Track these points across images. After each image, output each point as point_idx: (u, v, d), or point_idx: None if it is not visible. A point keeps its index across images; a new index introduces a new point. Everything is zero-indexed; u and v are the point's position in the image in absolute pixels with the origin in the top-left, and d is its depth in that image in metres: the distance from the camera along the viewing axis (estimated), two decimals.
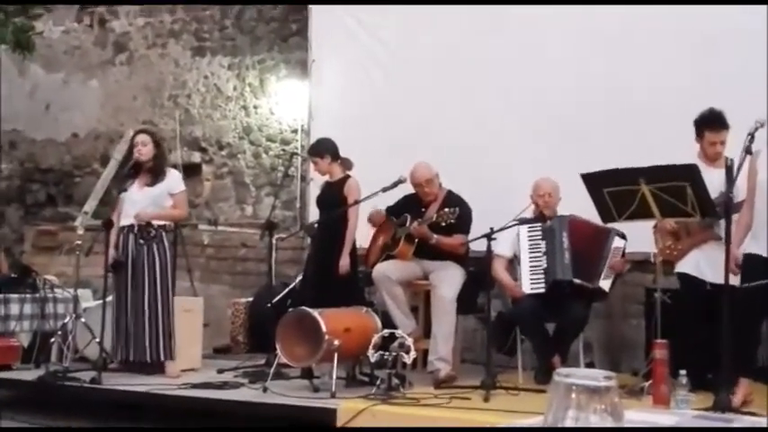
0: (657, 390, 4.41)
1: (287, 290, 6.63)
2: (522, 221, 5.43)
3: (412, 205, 5.85)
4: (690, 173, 4.64)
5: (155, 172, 5.81)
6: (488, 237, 5.05)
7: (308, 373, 5.22)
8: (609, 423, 1.25)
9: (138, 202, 5.73)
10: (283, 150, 7.94)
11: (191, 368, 5.90)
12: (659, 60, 6.13)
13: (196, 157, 8.51)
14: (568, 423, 1.29)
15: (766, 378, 4.91)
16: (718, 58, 5.88)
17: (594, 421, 1.25)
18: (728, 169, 4.42)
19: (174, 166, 6.68)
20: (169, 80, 8.73)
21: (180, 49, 8.69)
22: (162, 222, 5.83)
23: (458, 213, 5.40)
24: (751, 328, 4.56)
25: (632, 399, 4.54)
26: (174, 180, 5.89)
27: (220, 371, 5.89)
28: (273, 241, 6.33)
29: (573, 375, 1.32)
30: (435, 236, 5.57)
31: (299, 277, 6.46)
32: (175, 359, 5.73)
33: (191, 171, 8.35)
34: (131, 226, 5.73)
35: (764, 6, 5.65)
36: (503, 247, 5.52)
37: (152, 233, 5.73)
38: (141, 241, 5.70)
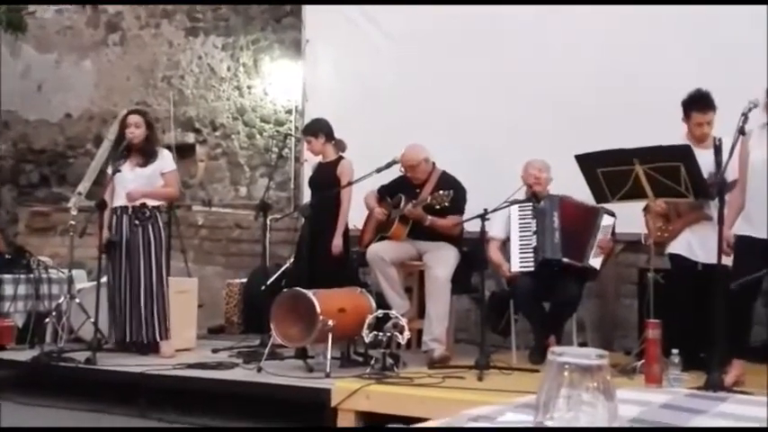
0: (650, 369, 4.43)
1: (281, 270, 6.64)
2: (515, 202, 5.45)
3: (406, 186, 5.85)
4: (684, 153, 4.65)
5: (147, 153, 5.80)
6: (482, 217, 5.06)
7: (302, 354, 5.24)
8: (601, 401, 1.25)
9: (131, 182, 5.72)
10: (277, 131, 7.93)
11: (186, 348, 5.92)
12: (652, 46, 6.12)
13: (190, 137, 8.49)
14: (561, 401, 1.30)
15: (759, 358, 4.95)
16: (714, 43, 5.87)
17: (587, 399, 1.26)
18: (717, 149, 4.44)
19: (168, 147, 6.67)
20: (162, 60, 8.69)
21: (173, 30, 8.65)
22: (156, 203, 5.83)
23: (452, 196, 5.41)
24: (743, 309, 4.59)
25: (625, 378, 4.57)
26: (165, 160, 5.88)
27: (215, 351, 5.91)
28: (267, 222, 6.33)
29: (566, 354, 1.33)
30: (429, 217, 5.58)
31: (293, 258, 6.47)
32: (170, 339, 5.74)
33: (184, 152, 8.33)
34: (125, 207, 5.72)
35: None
36: (496, 229, 5.54)
37: (147, 214, 5.73)
38: (136, 222, 5.70)
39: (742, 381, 4.54)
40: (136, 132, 5.75)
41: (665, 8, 6.04)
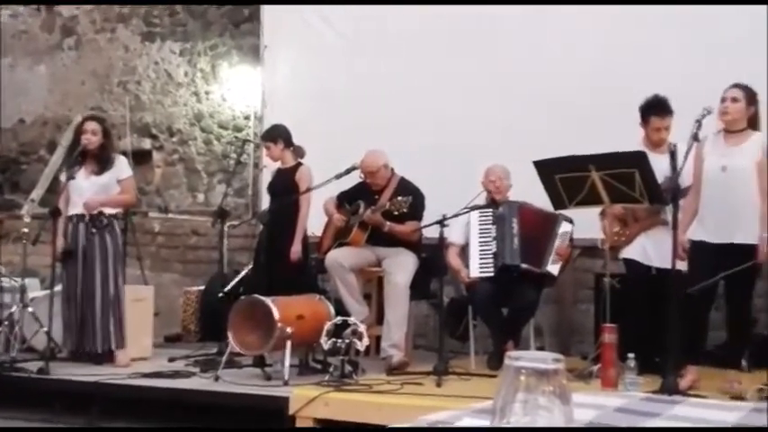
0: (606, 373, 4.49)
1: (239, 277, 6.59)
2: (475, 207, 5.48)
3: (365, 192, 5.85)
4: (638, 160, 4.72)
5: (102, 160, 5.72)
6: (441, 223, 5.07)
7: (260, 362, 5.21)
8: (557, 405, 1.26)
9: (86, 190, 5.64)
10: (235, 137, 7.88)
11: (141, 357, 5.83)
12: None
13: (146, 143, 8.39)
14: (517, 406, 1.30)
15: (713, 362, 5.02)
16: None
17: (543, 403, 1.26)
18: (672, 155, 4.51)
19: (124, 153, 6.59)
20: (118, 65, 8.59)
21: (129, 34, 8.55)
22: (113, 211, 5.75)
23: (410, 202, 5.42)
24: (698, 313, 4.65)
25: (581, 382, 4.61)
26: (121, 167, 5.81)
27: (171, 359, 5.84)
28: (225, 229, 6.29)
29: (522, 358, 1.33)
30: (388, 223, 5.58)
31: (251, 265, 6.42)
32: (126, 348, 5.66)
33: (141, 158, 8.24)
34: (81, 215, 5.63)
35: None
36: (455, 235, 5.56)
37: (104, 222, 5.66)
38: (93, 230, 5.62)
39: (696, 384, 4.60)
40: (92, 139, 5.67)
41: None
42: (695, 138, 4.52)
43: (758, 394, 4.37)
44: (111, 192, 5.74)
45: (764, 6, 5.66)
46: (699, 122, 4.50)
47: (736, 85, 4.62)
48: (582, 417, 1.56)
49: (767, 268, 5.11)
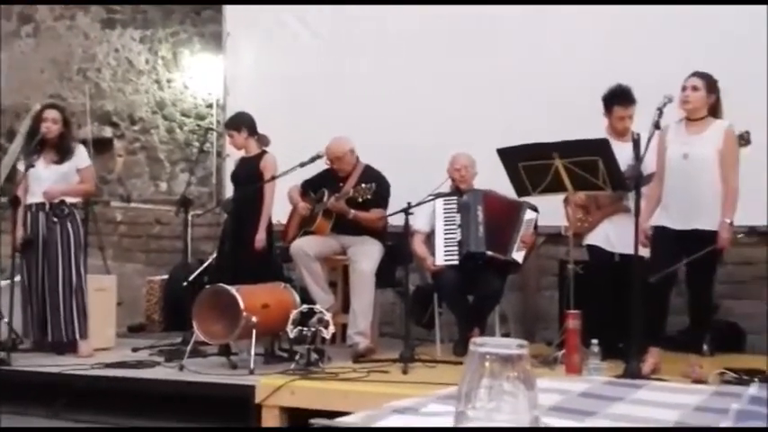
0: (570, 359, 4.53)
1: (203, 267, 6.54)
2: (440, 195, 5.49)
3: (329, 180, 5.83)
4: (601, 147, 4.76)
5: (62, 149, 5.64)
6: (406, 211, 5.07)
7: (225, 351, 5.18)
8: (521, 390, 1.26)
9: (46, 179, 5.56)
10: (198, 125, 7.81)
11: (104, 347, 5.78)
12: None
13: (107, 132, 8.29)
14: (482, 391, 1.30)
15: (675, 346, 5.09)
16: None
17: (507, 388, 1.27)
18: (635, 143, 4.55)
19: (84, 142, 6.50)
20: (78, 53, 8.46)
21: (89, 21, 8.42)
22: (73, 200, 5.68)
23: (374, 189, 5.41)
24: (659, 299, 4.71)
25: (546, 368, 4.65)
26: (80, 155, 5.75)
27: (135, 349, 5.79)
28: (189, 218, 6.24)
29: (487, 344, 1.34)
30: (353, 211, 5.57)
31: (216, 254, 6.38)
32: (89, 338, 5.60)
33: (102, 146, 8.14)
34: (41, 204, 5.56)
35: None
36: (420, 222, 5.57)
37: (65, 211, 5.59)
38: (54, 219, 5.55)
39: (659, 369, 4.66)
40: (53, 128, 5.59)
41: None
42: (656, 126, 4.57)
43: (719, 378, 4.44)
44: (70, 181, 5.68)
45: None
46: (660, 111, 4.54)
47: (697, 74, 4.67)
48: (546, 401, 1.57)
49: (728, 254, 5.20)
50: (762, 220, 5.66)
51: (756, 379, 4.17)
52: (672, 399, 1.76)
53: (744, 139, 4.74)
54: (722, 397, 1.80)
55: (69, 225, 5.59)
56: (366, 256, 5.61)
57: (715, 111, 4.69)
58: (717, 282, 5.02)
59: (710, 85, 4.65)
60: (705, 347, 5.05)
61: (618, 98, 5.21)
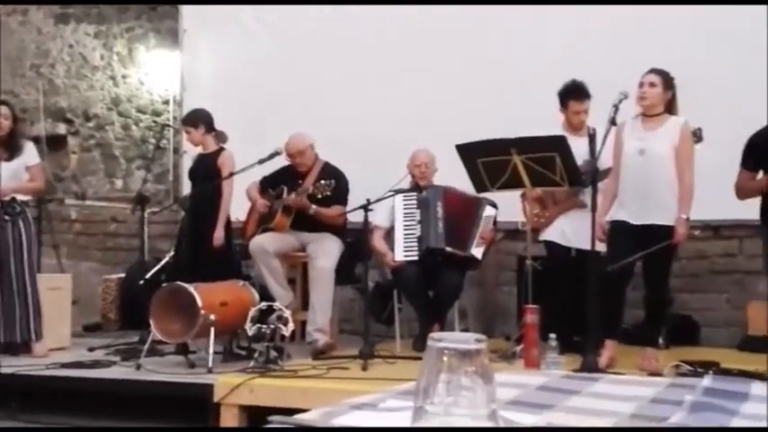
0: (528, 353, 4.56)
1: (160, 265, 6.47)
2: (399, 191, 5.49)
3: (288, 177, 5.81)
4: (558, 144, 4.81)
5: (12, 146, 5.55)
6: (365, 208, 5.07)
7: (183, 349, 5.13)
8: (479, 385, 1.27)
9: None
10: (154, 122, 7.72)
11: (59, 347, 5.69)
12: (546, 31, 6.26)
13: (61, 128, 8.15)
14: (440, 386, 1.30)
15: (631, 340, 5.16)
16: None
17: (465, 383, 1.27)
18: (591, 138, 4.60)
19: (37, 139, 6.39)
20: (31, 48, 8.30)
21: (42, 17, 8.27)
22: (24, 198, 5.59)
23: (333, 186, 5.40)
24: (615, 293, 4.76)
25: (505, 362, 4.68)
26: (29, 153, 5.66)
27: (91, 349, 5.71)
28: (145, 215, 6.17)
29: (445, 339, 1.33)
30: (314, 206, 5.55)
31: (173, 252, 6.32)
32: (43, 338, 5.51)
33: (55, 143, 8.01)
34: None
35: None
36: (380, 218, 5.57)
37: (17, 209, 5.50)
38: (6, 217, 5.45)
39: (615, 362, 4.72)
40: (3, 124, 5.50)
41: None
42: (612, 122, 4.62)
43: (674, 370, 4.51)
44: (21, 178, 5.59)
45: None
46: (616, 107, 4.59)
47: (654, 71, 4.73)
48: (504, 396, 1.58)
49: (683, 249, 5.28)
50: (715, 214, 5.76)
51: (710, 371, 4.25)
52: (628, 391, 1.78)
53: (696, 136, 4.81)
54: (677, 389, 1.83)
55: (21, 223, 5.50)
56: (325, 252, 5.60)
57: (671, 107, 4.75)
58: (672, 276, 5.09)
59: (667, 81, 4.71)
60: (661, 341, 5.12)
61: (573, 93, 5.28)
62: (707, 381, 1.89)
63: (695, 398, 1.67)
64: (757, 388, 1.87)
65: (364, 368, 4.76)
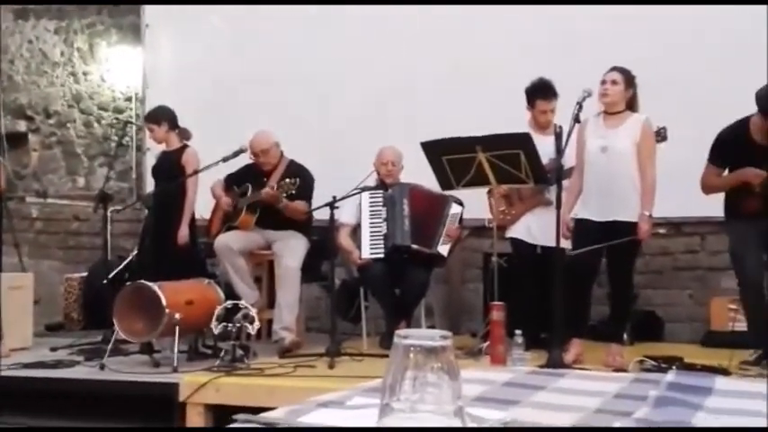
0: (495, 350, 4.57)
1: (124, 264, 6.41)
2: (365, 189, 5.48)
3: (253, 174, 5.77)
4: (523, 141, 4.83)
5: None
6: (331, 205, 5.05)
7: (147, 348, 5.08)
8: (445, 381, 1.26)
9: None
10: (116, 119, 7.63)
11: (21, 347, 5.60)
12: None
13: (21, 125, 8.02)
14: (407, 383, 1.30)
15: (597, 336, 5.20)
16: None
17: (432, 380, 1.27)
18: (558, 136, 4.63)
19: None
20: None
21: (0, 12, 8.13)
22: None
23: (299, 184, 5.38)
24: (581, 290, 4.80)
25: (471, 359, 4.69)
26: None
27: (54, 349, 5.63)
28: (108, 214, 6.09)
29: (411, 336, 1.33)
30: (285, 200, 5.51)
31: (137, 250, 6.26)
32: (3, 338, 5.42)
33: (16, 141, 7.89)
34: None
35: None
36: (347, 215, 5.56)
37: None
38: None
39: (581, 358, 4.76)
40: None
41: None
42: (576, 119, 4.65)
43: (639, 366, 4.55)
44: None
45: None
46: (579, 104, 4.62)
47: (616, 68, 4.76)
48: (471, 392, 1.58)
49: (646, 245, 5.33)
50: (677, 211, 5.83)
51: (674, 366, 4.30)
52: (593, 386, 1.79)
53: (660, 135, 4.86)
54: (641, 384, 1.84)
55: None
56: (291, 250, 5.58)
57: (632, 105, 4.80)
58: (636, 272, 5.14)
59: (628, 79, 4.76)
60: (625, 336, 5.17)
61: (540, 92, 5.31)
62: (671, 376, 1.91)
63: (659, 393, 1.69)
64: (720, 382, 1.89)
65: (331, 366, 4.75)
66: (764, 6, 5.68)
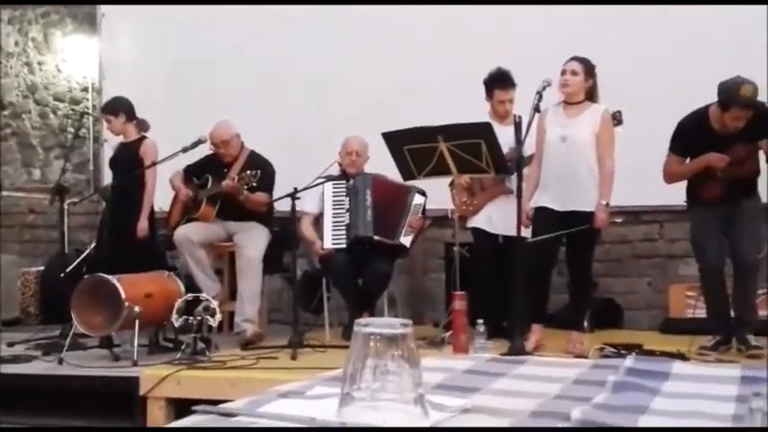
0: (457, 339, 4.59)
1: (82, 257, 6.31)
2: (329, 178, 5.46)
3: (213, 166, 5.72)
4: (484, 131, 4.85)
5: None
6: (292, 196, 5.03)
7: (107, 342, 5.03)
8: (406, 369, 1.26)
9: None
10: (73, 110, 7.51)
11: None
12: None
13: None
14: (367, 372, 1.29)
15: (557, 324, 5.25)
16: None
17: (392, 368, 1.26)
18: (517, 126, 4.65)
19: None
20: None
21: None
22: None
23: (260, 175, 5.35)
24: (541, 278, 4.84)
25: (434, 349, 4.70)
26: None
27: (11, 344, 5.53)
28: (65, 206, 5.99)
29: (371, 325, 1.33)
30: (246, 192, 5.47)
31: (95, 243, 6.17)
32: None
33: None
34: None
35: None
36: (310, 204, 5.53)
37: None
38: None
39: (541, 346, 4.79)
40: None
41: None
42: (536, 109, 4.67)
43: (598, 353, 4.60)
44: None
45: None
46: (539, 94, 4.64)
47: (575, 58, 4.79)
48: (431, 380, 1.58)
49: (606, 233, 5.39)
50: (636, 200, 5.89)
51: (634, 353, 4.35)
52: (552, 372, 1.80)
53: (616, 119, 4.90)
54: (600, 370, 1.86)
55: None
56: (252, 242, 5.54)
57: (592, 95, 4.83)
58: (595, 260, 5.19)
59: (588, 69, 4.79)
60: (585, 324, 5.22)
61: (498, 82, 5.34)
62: (629, 361, 1.93)
63: (618, 378, 1.70)
64: (677, 367, 1.92)
65: (293, 357, 4.73)
66: None
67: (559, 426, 1.33)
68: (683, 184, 4.93)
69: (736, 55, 5.40)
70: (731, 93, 4.54)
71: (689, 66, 5.74)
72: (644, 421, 1.39)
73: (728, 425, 1.41)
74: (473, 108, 5.29)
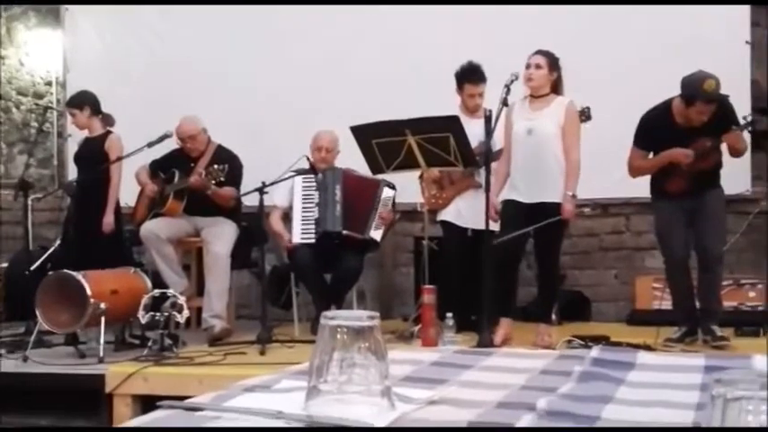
0: (426, 332, 4.60)
1: (47, 254, 6.23)
2: (299, 172, 5.44)
3: (179, 160, 5.68)
4: (452, 124, 4.85)
5: None
6: (260, 191, 5.00)
7: (72, 339, 4.97)
8: (372, 361, 1.26)
9: None
10: (36, 104, 7.41)
11: None
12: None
13: None
14: (334, 364, 1.29)
15: (525, 317, 5.27)
16: None
17: (359, 360, 1.26)
18: (487, 120, 4.66)
19: None
20: None
21: None
22: None
23: (227, 170, 5.31)
24: (509, 271, 4.86)
25: (403, 343, 4.71)
26: None
27: None
28: (29, 202, 5.92)
29: (338, 317, 1.32)
30: (213, 187, 5.42)
31: (60, 239, 6.10)
32: None
33: None
34: None
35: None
36: (280, 198, 5.51)
37: None
38: None
39: (510, 339, 4.82)
40: None
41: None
42: (504, 103, 4.70)
43: (566, 345, 4.64)
44: None
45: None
46: (507, 88, 4.67)
47: (540, 52, 4.82)
48: (398, 372, 1.58)
49: (573, 226, 5.42)
50: (603, 193, 5.94)
51: (601, 344, 4.39)
52: (519, 364, 1.80)
53: (584, 115, 4.94)
54: (566, 360, 1.87)
55: None
56: (220, 237, 5.51)
57: (557, 88, 4.86)
58: (563, 253, 5.22)
59: (552, 62, 4.82)
60: (553, 317, 5.25)
61: (468, 75, 5.35)
62: (595, 352, 1.95)
63: (584, 368, 1.71)
64: (642, 357, 1.93)
65: (262, 353, 4.72)
66: None
67: (526, 416, 1.33)
68: (649, 178, 4.97)
69: (697, 48, 5.49)
70: (695, 87, 4.58)
71: (654, 58, 5.79)
72: (609, 410, 1.40)
73: (692, 413, 1.42)
74: (444, 102, 5.29)
